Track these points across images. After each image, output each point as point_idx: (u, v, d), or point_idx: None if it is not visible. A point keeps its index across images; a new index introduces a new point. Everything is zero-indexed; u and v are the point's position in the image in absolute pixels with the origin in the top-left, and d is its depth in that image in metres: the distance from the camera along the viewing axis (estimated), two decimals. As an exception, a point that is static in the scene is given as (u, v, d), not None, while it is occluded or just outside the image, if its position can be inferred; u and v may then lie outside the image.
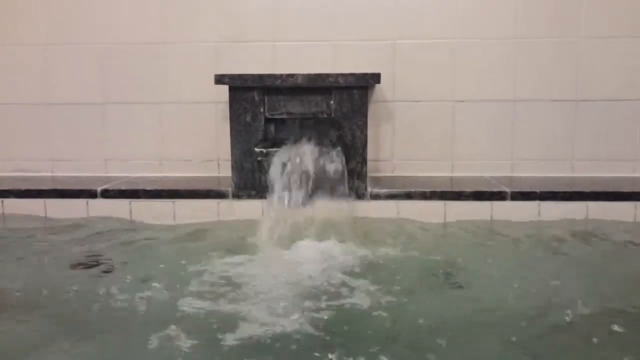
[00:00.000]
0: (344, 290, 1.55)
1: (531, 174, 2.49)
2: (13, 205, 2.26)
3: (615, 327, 1.33)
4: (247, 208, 2.23)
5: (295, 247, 1.91)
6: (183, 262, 1.76)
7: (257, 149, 2.18)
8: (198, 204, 2.24)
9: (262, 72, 2.26)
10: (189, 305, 1.45)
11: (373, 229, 2.11)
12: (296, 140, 2.15)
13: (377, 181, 2.37)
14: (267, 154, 2.15)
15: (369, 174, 2.29)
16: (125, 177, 2.52)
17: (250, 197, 2.24)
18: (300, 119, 2.27)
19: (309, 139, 2.15)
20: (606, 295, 1.52)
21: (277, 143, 2.19)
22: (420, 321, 1.37)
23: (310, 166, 2.06)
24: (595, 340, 1.28)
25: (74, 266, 1.79)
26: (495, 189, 2.21)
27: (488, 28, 2.46)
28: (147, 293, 1.54)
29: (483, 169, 2.51)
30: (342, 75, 2.19)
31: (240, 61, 2.50)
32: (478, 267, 1.76)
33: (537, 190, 2.18)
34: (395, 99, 2.50)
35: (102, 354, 1.27)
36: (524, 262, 1.84)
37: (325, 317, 1.38)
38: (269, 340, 1.27)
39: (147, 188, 2.27)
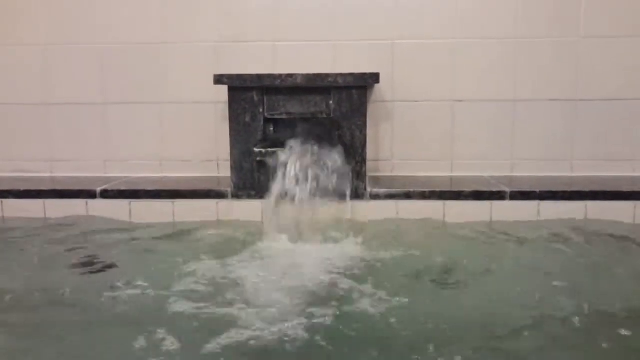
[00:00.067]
0: (342, 291, 1.55)
1: (531, 173, 2.49)
2: (12, 206, 2.26)
3: (622, 331, 1.32)
4: (246, 208, 2.23)
5: (295, 247, 1.91)
6: (182, 263, 1.76)
7: (256, 149, 2.18)
8: (198, 204, 2.24)
9: (262, 72, 2.27)
10: (186, 306, 1.45)
11: (372, 228, 2.11)
12: (295, 141, 2.15)
13: (377, 181, 2.37)
14: (266, 154, 2.15)
15: (369, 174, 2.29)
16: (125, 177, 2.52)
17: (249, 197, 2.24)
18: (300, 119, 2.27)
19: (308, 139, 2.15)
20: (609, 297, 1.52)
21: (277, 143, 2.19)
22: (420, 322, 1.37)
23: (309, 166, 2.06)
24: (599, 342, 1.28)
25: (73, 267, 1.79)
26: (494, 189, 2.21)
27: (488, 28, 2.46)
28: (145, 294, 1.54)
29: (483, 169, 2.51)
30: (342, 75, 2.19)
31: (240, 61, 2.50)
32: (478, 267, 1.76)
33: (537, 190, 2.18)
34: (395, 98, 2.50)
35: (101, 354, 1.28)
36: (524, 262, 1.84)
37: (325, 318, 1.38)
38: (265, 342, 1.27)
39: (147, 188, 2.27)
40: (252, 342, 1.27)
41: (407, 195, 2.20)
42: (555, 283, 1.61)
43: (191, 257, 1.81)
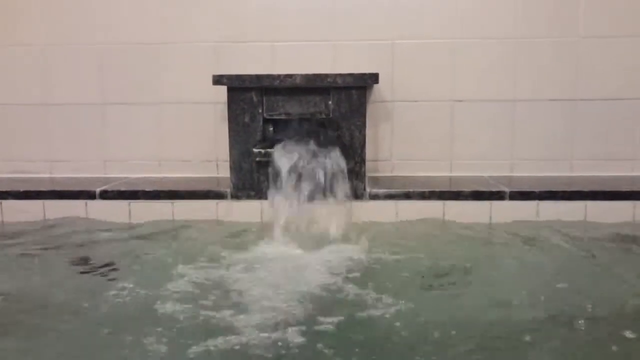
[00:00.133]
0: (342, 293, 1.55)
1: (530, 173, 2.49)
2: (12, 207, 2.26)
3: (627, 333, 1.31)
4: (245, 209, 2.23)
5: (294, 248, 1.91)
6: (181, 264, 1.75)
7: (255, 150, 2.18)
8: (197, 205, 2.23)
9: (261, 73, 2.26)
10: (184, 309, 1.45)
11: (371, 229, 2.11)
12: (295, 141, 2.14)
13: (376, 181, 2.37)
14: (265, 155, 2.15)
15: (368, 174, 2.29)
16: (124, 178, 2.52)
17: (249, 197, 2.23)
18: (299, 119, 2.27)
19: (308, 140, 2.15)
20: (612, 297, 1.52)
21: (276, 144, 2.18)
22: (420, 322, 1.37)
23: (308, 167, 2.06)
24: (603, 343, 1.27)
25: (72, 268, 1.79)
26: (494, 189, 2.21)
27: (488, 28, 2.46)
28: (144, 295, 1.53)
29: (482, 169, 2.50)
30: (341, 75, 2.19)
31: (240, 61, 2.50)
32: (478, 267, 1.75)
33: (536, 190, 2.18)
34: (395, 98, 2.49)
35: (100, 355, 1.28)
36: (524, 262, 1.83)
37: (325, 320, 1.37)
38: (264, 346, 1.26)
39: (146, 189, 2.27)
40: (250, 346, 1.26)
41: (407, 196, 2.20)
42: (555, 283, 1.60)
43: (191, 258, 1.80)
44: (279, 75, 2.19)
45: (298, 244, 1.92)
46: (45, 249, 1.97)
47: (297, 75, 2.18)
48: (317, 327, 1.33)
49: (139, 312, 1.45)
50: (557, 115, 2.47)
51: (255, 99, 2.22)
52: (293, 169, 2.06)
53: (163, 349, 1.25)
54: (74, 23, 2.55)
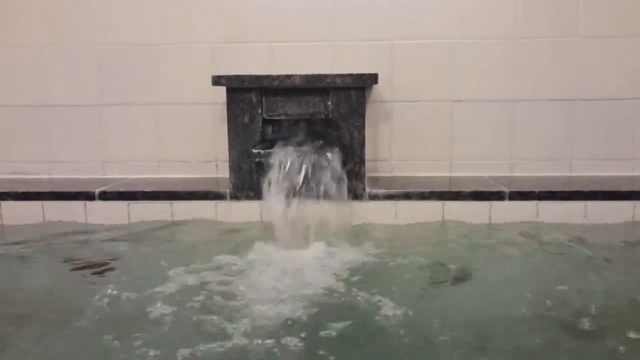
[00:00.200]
0: (341, 294, 1.54)
1: (530, 173, 2.48)
2: (10, 208, 2.25)
3: (630, 333, 1.30)
4: (245, 209, 2.22)
5: (293, 249, 1.90)
6: (181, 265, 1.75)
7: (254, 150, 2.18)
8: (196, 205, 2.23)
9: (260, 73, 2.26)
10: (182, 310, 1.45)
11: (371, 229, 2.10)
12: (294, 142, 2.14)
13: (376, 181, 2.37)
14: (264, 155, 2.14)
15: (367, 174, 2.29)
16: (123, 178, 2.52)
17: (248, 198, 2.23)
18: (298, 120, 2.26)
19: (307, 140, 2.15)
20: (613, 297, 1.52)
21: (275, 144, 2.18)
22: (420, 324, 1.37)
23: (308, 167, 2.05)
24: (605, 343, 1.27)
25: (71, 269, 1.79)
26: (493, 189, 2.20)
27: (488, 28, 2.45)
28: (143, 296, 1.53)
29: (482, 169, 2.50)
30: (340, 75, 2.18)
31: (239, 62, 2.49)
32: (477, 268, 1.75)
33: (536, 190, 2.17)
34: (394, 99, 2.49)
35: (98, 355, 1.27)
36: (524, 262, 1.83)
37: (325, 322, 1.37)
38: (263, 349, 1.26)
39: (145, 190, 2.27)
40: (249, 349, 1.25)
41: (406, 196, 2.20)
42: (556, 283, 1.60)
43: (190, 259, 1.80)
44: (278, 76, 2.19)
45: (297, 244, 1.92)
46: (45, 250, 1.97)
47: (297, 75, 2.18)
48: (316, 329, 1.33)
49: (136, 312, 1.44)
50: (557, 115, 2.47)
51: (254, 99, 2.22)
52: (292, 170, 2.05)
53: (159, 351, 1.24)
54: (74, 24, 2.55)
